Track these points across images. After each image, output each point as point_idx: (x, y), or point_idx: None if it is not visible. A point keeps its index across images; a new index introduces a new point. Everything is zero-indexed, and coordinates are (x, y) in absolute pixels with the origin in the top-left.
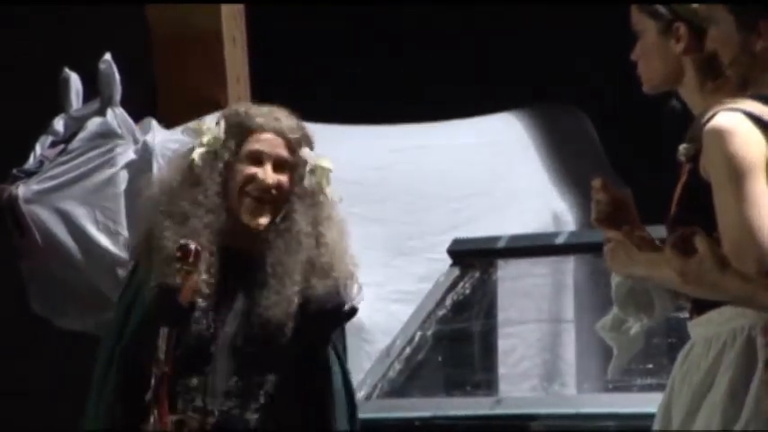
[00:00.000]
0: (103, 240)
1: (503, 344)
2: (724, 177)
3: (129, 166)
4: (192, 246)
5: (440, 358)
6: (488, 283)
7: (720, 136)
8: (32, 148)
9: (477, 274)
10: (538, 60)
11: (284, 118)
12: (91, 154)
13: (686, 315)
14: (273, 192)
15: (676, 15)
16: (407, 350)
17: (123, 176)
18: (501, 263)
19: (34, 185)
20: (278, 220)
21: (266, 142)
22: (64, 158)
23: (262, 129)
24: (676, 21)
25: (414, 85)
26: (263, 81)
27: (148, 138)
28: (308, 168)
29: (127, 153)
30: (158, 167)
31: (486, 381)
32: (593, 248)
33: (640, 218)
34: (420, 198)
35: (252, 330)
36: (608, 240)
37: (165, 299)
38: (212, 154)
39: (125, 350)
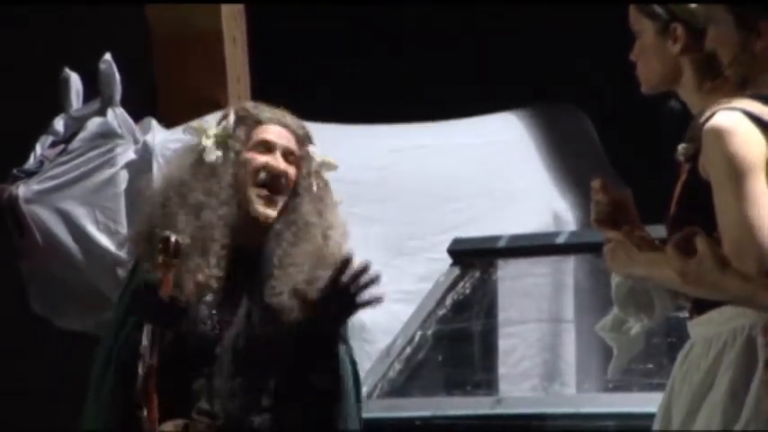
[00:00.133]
0: (104, 240)
1: (503, 343)
2: (724, 177)
3: (129, 165)
4: (173, 238)
5: (440, 358)
6: (489, 282)
7: (720, 135)
8: (32, 148)
9: (477, 274)
10: (538, 60)
11: (291, 117)
12: (91, 154)
13: (686, 315)
14: (283, 180)
15: (674, 16)
16: (408, 350)
17: (123, 176)
18: (501, 262)
19: (34, 185)
20: (283, 210)
21: (275, 133)
22: (64, 158)
23: (270, 121)
24: (674, 21)
25: (414, 85)
26: (263, 81)
27: (149, 138)
28: (313, 165)
29: (127, 153)
30: (158, 167)
31: (486, 380)
32: (594, 248)
33: (640, 218)
34: (420, 198)
35: (258, 330)
36: (608, 240)
37: (145, 293)
38: (223, 144)
39: (121, 350)
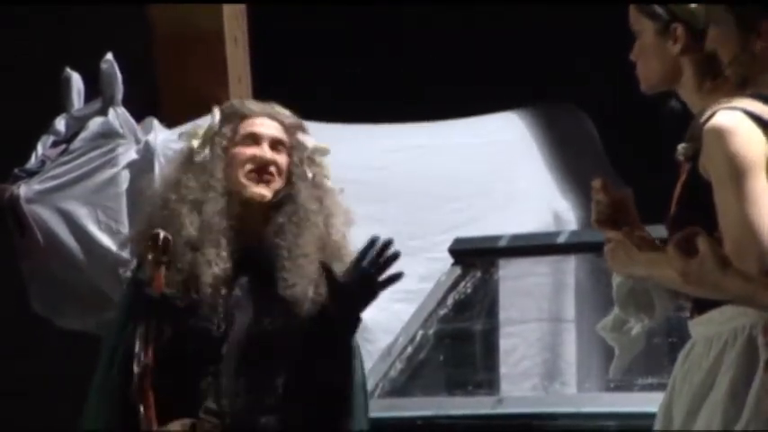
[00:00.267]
0: (105, 240)
1: (504, 343)
2: (724, 176)
3: (130, 165)
4: (162, 235)
5: (441, 357)
6: (490, 282)
7: (721, 135)
8: (34, 147)
9: (478, 274)
10: (538, 60)
11: (278, 107)
12: (93, 154)
13: (687, 315)
14: (272, 168)
15: (674, 16)
16: (409, 349)
17: (125, 176)
18: (502, 262)
19: (36, 185)
20: (279, 197)
21: (261, 125)
22: (66, 158)
23: (256, 114)
24: (674, 21)
25: (414, 85)
26: (264, 81)
27: (150, 137)
28: (306, 153)
29: (129, 153)
30: (160, 167)
31: (487, 380)
32: (595, 248)
33: (641, 218)
34: (421, 197)
35: (268, 325)
36: (608, 240)
37: (138, 292)
38: (209, 141)
39: (126, 350)
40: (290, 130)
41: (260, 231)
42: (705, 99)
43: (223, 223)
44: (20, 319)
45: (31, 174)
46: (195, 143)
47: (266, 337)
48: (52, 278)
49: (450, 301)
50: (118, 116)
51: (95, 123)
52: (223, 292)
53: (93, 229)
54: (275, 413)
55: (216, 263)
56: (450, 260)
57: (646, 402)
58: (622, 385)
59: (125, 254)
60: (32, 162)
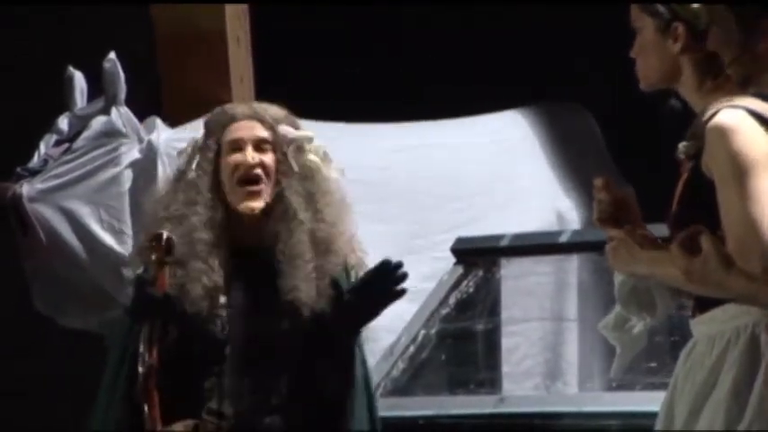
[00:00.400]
0: (108, 239)
1: (506, 342)
2: (728, 175)
3: (133, 165)
4: (165, 235)
5: (443, 357)
6: (492, 281)
7: (723, 133)
8: (36, 146)
9: (480, 273)
10: (539, 60)
11: (260, 104)
12: (95, 153)
13: (689, 313)
14: (258, 170)
15: (675, 15)
16: (411, 349)
17: (128, 175)
18: (504, 261)
19: (38, 184)
20: (270, 200)
21: (243, 129)
22: (68, 157)
23: (236, 119)
24: (675, 20)
25: (415, 85)
26: (266, 81)
27: (153, 137)
28: (292, 145)
29: (131, 152)
30: (163, 166)
31: (489, 379)
32: (597, 247)
33: (644, 216)
34: (424, 197)
35: (269, 327)
36: (610, 239)
37: (141, 292)
38: (196, 154)
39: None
40: (272, 125)
41: (255, 235)
42: (706, 98)
43: (207, 234)
44: (20, 319)
45: (34, 173)
46: (182, 158)
47: (268, 339)
48: (55, 277)
49: (452, 300)
50: (121, 115)
51: (98, 122)
52: (221, 299)
53: (96, 228)
54: (278, 414)
55: (205, 275)
56: (453, 259)
57: (648, 402)
58: (624, 384)
59: (127, 253)
60: (35, 161)
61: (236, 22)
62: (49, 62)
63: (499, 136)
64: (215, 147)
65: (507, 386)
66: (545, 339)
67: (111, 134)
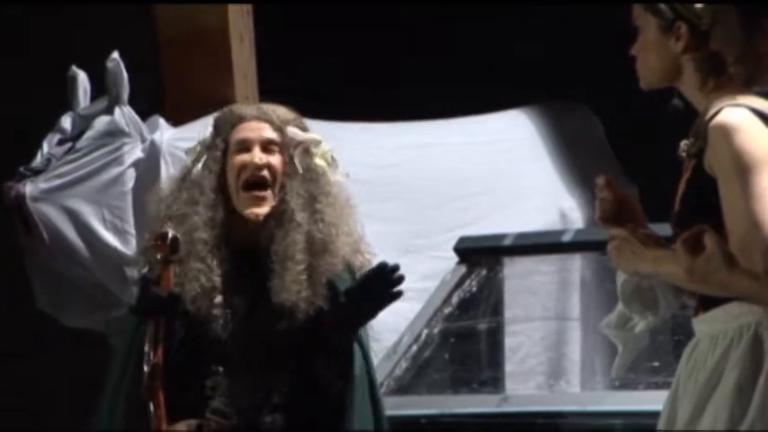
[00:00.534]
0: (111, 239)
1: (509, 341)
2: (730, 173)
3: (136, 164)
4: (171, 234)
5: (446, 356)
6: (495, 280)
7: (726, 132)
8: (40, 146)
9: (483, 272)
10: (541, 60)
11: (268, 106)
12: (98, 152)
13: (692, 312)
14: (265, 172)
15: (678, 15)
16: (414, 348)
17: (131, 175)
18: (507, 260)
19: (42, 183)
20: (277, 203)
21: (251, 129)
22: (71, 157)
23: (245, 119)
24: (678, 20)
25: (417, 85)
26: (270, 79)
27: (156, 136)
28: (299, 147)
29: (134, 151)
30: (165, 165)
31: (492, 378)
32: (600, 246)
33: (648, 216)
34: (427, 196)
35: (267, 328)
36: (612, 238)
37: (146, 291)
38: (203, 154)
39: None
40: (280, 127)
41: (254, 236)
42: (708, 97)
43: (207, 234)
44: (20, 319)
45: (37, 172)
46: (189, 157)
47: (266, 339)
48: (57, 276)
49: (455, 299)
50: (124, 115)
51: (101, 122)
52: (218, 299)
53: (99, 227)
54: (280, 412)
55: (203, 275)
56: (456, 259)
57: (650, 401)
58: (627, 383)
59: (130, 252)
60: (38, 160)
61: (240, 21)
62: (52, 62)
63: (502, 135)
64: (222, 146)
65: (510, 385)
66: (548, 338)
67: (114, 133)
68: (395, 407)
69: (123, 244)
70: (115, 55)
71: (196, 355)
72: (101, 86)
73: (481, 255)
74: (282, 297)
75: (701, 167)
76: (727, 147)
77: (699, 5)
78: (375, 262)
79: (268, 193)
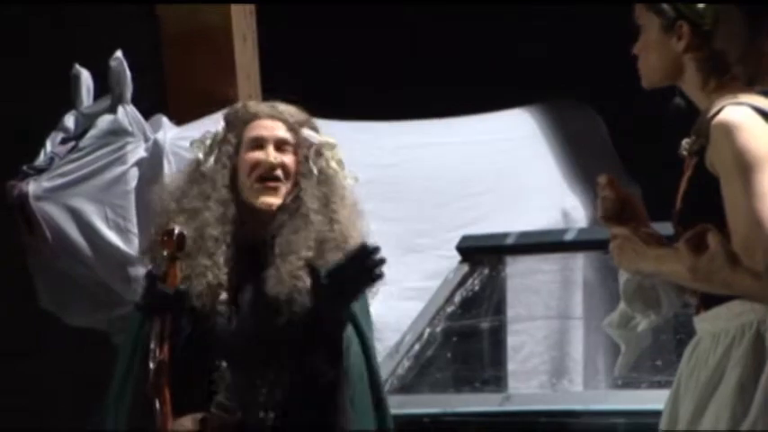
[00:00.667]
0: (113, 238)
1: (511, 340)
2: (732, 171)
3: (139, 163)
4: (177, 230)
5: (449, 355)
6: (497, 279)
7: (729, 130)
8: (43, 144)
9: (486, 271)
10: (544, 59)
11: (282, 105)
12: (101, 151)
13: (693, 311)
14: (278, 171)
15: (680, 14)
16: (416, 347)
17: (134, 174)
18: (510, 259)
19: (45, 182)
20: (288, 200)
21: (265, 127)
22: (74, 156)
23: (259, 116)
24: (680, 19)
25: (420, 84)
26: (273, 78)
27: (159, 135)
28: (313, 149)
29: (137, 150)
30: (169, 165)
31: (494, 377)
32: (603, 245)
33: (651, 215)
34: (430, 195)
35: (268, 322)
36: (614, 237)
37: (151, 288)
38: (215, 149)
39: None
40: (294, 127)
41: (260, 232)
42: (710, 96)
43: (218, 230)
44: (20, 319)
45: (40, 171)
46: (201, 154)
47: (272, 334)
48: (60, 276)
49: (457, 298)
50: (127, 114)
51: (104, 121)
52: (223, 296)
53: (102, 226)
54: (283, 409)
55: (210, 271)
56: (458, 257)
57: (653, 400)
58: (630, 383)
59: (133, 251)
60: (41, 159)
61: (243, 20)
62: (53, 62)
63: (505, 134)
64: (235, 141)
65: (513, 384)
66: (550, 337)
67: (117, 133)
68: (397, 406)
69: (126, 243)
70: (118, 54)
71: (202, 351)
72: (102, 86)
73: (484, 254)
74: (277, 290)
75: (703, 166)
76: (729, 145)
77: (701, 5)
78: None
79: (280, 184)
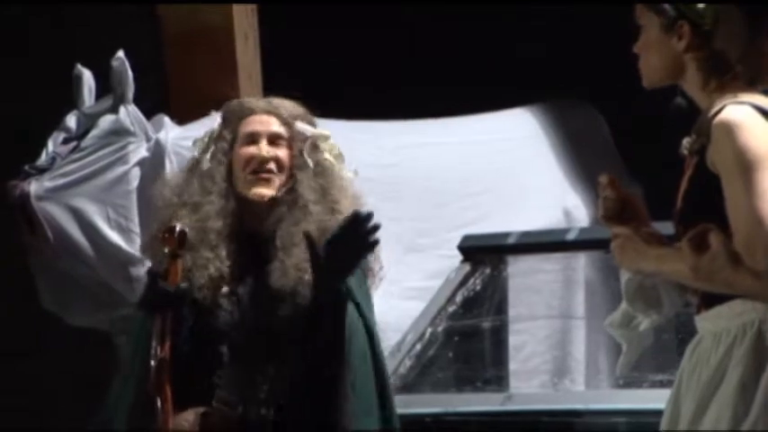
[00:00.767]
0: (115, 238)
1: (513, 340)
2: (734, 170)
3: (141, 163)
4: (179, 228)
5: (450, 354)
6: (499, 279)
7: (730, 129)
8: (44, 144)
9: (487, 271)
10: (545, 58)
11: (277, 100)
12: (103, 151)
13: (694, 310)
14: (272, 165)
15: (680, 14)
16: (418, 346)
17: (135, 174)
18: (511, 259)
19: (46, 182)
20: (282, 193)
21: (259, 122)
22: (76, 155)
23: (253, 112)
24: (680, 19)
25: (421, 84)
26: (274, 78)
27: (161, 135)
28: (308, 142)
29: (139, 150)
30: (170, 164)
31: (496, 377)
32: (604, 245)
33: (653, 215)
34: (431, 195)
35: (271, 316)
36: (615, 236)
37: (153, 286)
38: (211, 145)
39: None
40: (288, 121)
41: (260, 226)
42: (711, 96)
43: (219, 223)
44: (20, 319)
45: (42, 171)
46: (198, 151)
47: (274, 328)
48: (62, 275)
49: (459, 298)
50: (129, 114)
51: (106, 121)
52: (224, 289)
53: (104, 226)
54: (285, 400)
55: (212, 264)
56: (460, 257)
57: (654, 399)
58: (631, 382)
59: (135, 251)
60: (43, 159)
61: (244, 20)
62: (53, 62)
63: (507, 134)
64: (230, 137)
65: (514, 383)
66: (552, 337)
67: (119, 132)
68: (399, 405)
69: (128, 243)
70: (120, 54)
71: (204, 345)
72: (102, 86)
73: (485, 253)
74: (281, 282)
75: (704, 165)
76: (731, 144)
77: (701, 5)
78: (381, 256)
79: (273, 176)
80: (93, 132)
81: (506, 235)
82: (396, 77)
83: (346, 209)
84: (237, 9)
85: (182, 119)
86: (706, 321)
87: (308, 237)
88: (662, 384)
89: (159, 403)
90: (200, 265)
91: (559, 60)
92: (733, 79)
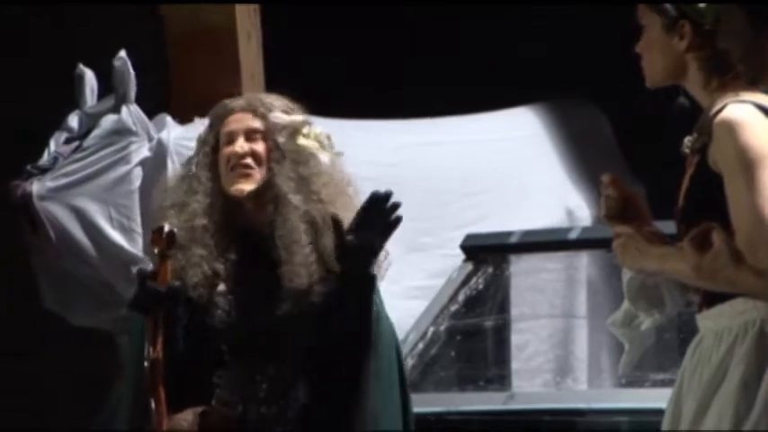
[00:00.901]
0: (117, 237)
1: (515, 339)
2: (735, 169)
3: (143, 163)
4: (167, 228)
5: (453, 353)
6: (501, 278)
7: (731, 127)
8: (47, 144)
9: (489, 270)
10: (547, 58)
11: (257, 95)
12: (105, 151)
13: (696, 309)
14: (248, 159)
15: (682, 13)
16: (420, 345)
17: (138, 173)
18: (514, 258)
19: (48, 182)
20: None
21: (236, 121)
22: (78, 155)
23: (233, 111)
24: (681, 19)
25: (423, 83)
26: (277, 77)
27: (163, 135)
28: (284, 131)
29: (141, 150)
30: (173, 164)
31: (498, 376)
32: (606, 244)
33: (655, 214)
34: (433, 194)
35: (278, 315)
36: (617, 236)
37: (142, 286)
38: (198, 147)
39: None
40: (261, 115)
41: (252, 223)
42: (713, 95)
43: (206, 221)
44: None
45: (44, 170)
46: (190, 156)
47: (275, 326)
48: (64, 275)
49: (461, 297)
50: (131, 113)
51: (108, 121)
52: (221, 287)
53: (106, 226)
54: (286, 401)
55: (205, 261)
56: (462, 256)
57: (657, 398)
58: (634, 381)
59: (137, 251)
60: (45, 159)
61: (247, 19)
62: (53, 62)
63: (509, 133)
64: (212, 141)
65: (516, 383)
66: (554, 336)
67: (121, 132)
68: None
69: (130, 243)
70: (122, 53)
71: (201, 344)
72: (104, 86)
73: (488, 252)
74: (295, 282)
75: (706, 163)
76: (732, 142)
77: (702, 5)
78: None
79: (251, 171)
80: (95, 132)
81: (509, 234)
82: (397, 77)
83: (330, 195)
84: (240, 9)
85: (184, 119)
86: (707, 320)
87: (335, 221)
88: (664, 383)
89: (153, 404)
90: (194, 263)
91: (561, 60)
92: (734, 78)
